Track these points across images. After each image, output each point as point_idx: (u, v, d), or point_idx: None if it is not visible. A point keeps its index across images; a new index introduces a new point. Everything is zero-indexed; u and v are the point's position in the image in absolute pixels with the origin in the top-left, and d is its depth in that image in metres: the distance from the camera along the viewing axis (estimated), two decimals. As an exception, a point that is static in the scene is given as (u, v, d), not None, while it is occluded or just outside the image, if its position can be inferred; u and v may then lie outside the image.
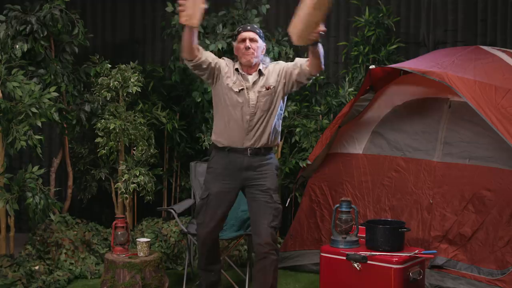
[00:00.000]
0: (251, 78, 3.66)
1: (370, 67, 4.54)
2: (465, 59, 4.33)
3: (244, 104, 3.62)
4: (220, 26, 5.20)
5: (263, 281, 3.60)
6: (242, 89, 3.63)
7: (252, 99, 3.62)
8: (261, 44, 3.69)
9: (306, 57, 3.65)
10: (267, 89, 3.64)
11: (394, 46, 5.26)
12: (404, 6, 5.52)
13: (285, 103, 3.79)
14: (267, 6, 5.32)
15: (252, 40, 3.65)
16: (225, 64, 3.70)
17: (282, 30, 5.47)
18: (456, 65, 4.23)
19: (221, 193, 3.68)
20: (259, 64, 3.69)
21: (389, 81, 4.61)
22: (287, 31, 3.44)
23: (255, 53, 3.64)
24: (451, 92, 4.15)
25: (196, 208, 3.83)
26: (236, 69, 3.67)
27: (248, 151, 3.64)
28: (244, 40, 3.65)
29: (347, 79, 5.30)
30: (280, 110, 3.73)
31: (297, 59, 3.69)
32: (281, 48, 5.26)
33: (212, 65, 3.63)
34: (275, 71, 3.68)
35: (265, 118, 3.65)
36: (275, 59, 5.16)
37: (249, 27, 3.71)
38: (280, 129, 3.78)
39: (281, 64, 3.73)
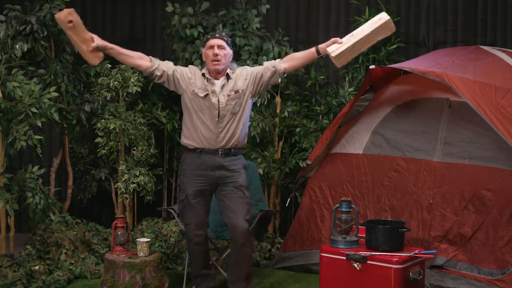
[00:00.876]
0: (219, 82, 3.80)
1: (370, 67, 4.54)
2: (465, 59, 4.33)
3: (211, 108, 3.75)
4: (220, 26, 5.20)
5: (241, 270, 3.77)
6: (208, 94, 3.76)
7: (221, 102, 3.75)
8: (228, 51, 3.82)
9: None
10: (236, 92, 3.78)
11: (394, 46, 5.26)
12: (404, 6, 5.52)
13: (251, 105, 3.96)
14: (267, 6, 5.33)
15: (220, 47, 3.78)
16: (189, 71, 3.84)
17: (282, 30, 5.48)
18: (456, 65, 4.23)
19: (198, 192, 3.82)
20: (226, 69, 3.82)
21: (389, 81, 4.61)
22: (333, 56, 3.70)
23: (222, 60, 3.77)
24: (451, 92, 4.15)
25: (179, 211, 3.98)
26: (203, 74, 3.81)
27: (219, 152, 3.79)
28: (212, 47, 3.78)
29: (347, 79, 5.30)
30: (249, 111, 3.88)
31: (266, 63, 3.88)
32: (281, 48, 5.26)
33: (169, 73, 3.80)
34: (242, 75, 3.83)
35: (234, 120, 3.78)
36: (274, 59, 5.17)
37: (217, 35, 3.84)
38: (247, 130, 3.94)
39: (248, 69, 3.89)
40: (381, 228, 3.78)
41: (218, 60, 3.76)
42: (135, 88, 4.97)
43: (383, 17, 3.70)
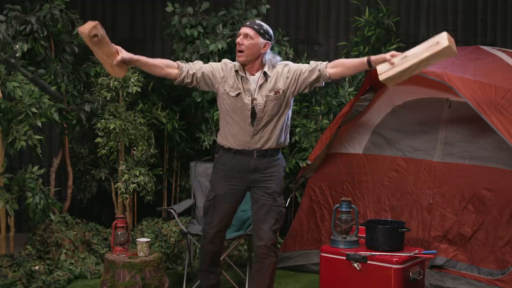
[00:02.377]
0: (254, 79, 3.49)
1: (370, 67, 4.54)
2: (465, 59, 4.33)
3: (243, 108, 3.47)
4: (220, 26, 5.20)
5: (260, 282, 3.58)
6: (240, 93, 3.47)
7: (260, 103, 3.45)
8: (257, 41, 3.45)
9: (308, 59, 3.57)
10: (276, 93, 3.46)
11: (394, 46, 5.25)
12: (404, 6, 5.52)
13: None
14: (267, 6, 5.32)
15: (245, 36, 3.44)
16: (221, 68, 3.54)
17: (282, 30, 5.48)
18: (456, 65, 4.23)
19: (227, 194, 3.61)
20: (264, 65, 3.49)
21: (389, 81, 4.61)
22: (381, 76, 3.33)
23: (246, 51, 3.44)
24: (451, 92, 4.15)
25: (204, 208, 3.74)
26: (236, 71, 3.51)
27: (255, 154, 3.53)
28: (239, 36, 3.49)
29: (347, 79, 5.29)
30: (290, 110, 3.59)
31: (313, 63, 3.50)
32: (281, 48, 5.26)
33: (198, 75, 3.49)
34: (284, 74, 3.49)
35: (272, 121, 3.50)
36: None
37: (248, 23, 3.52)
38: (289, 128, 3.66)
39: (291, 66, 3.53)
40: (381, 228, 3.79)
41: (241, 51, 3.43)
42: (135, 88, 4.97)
43: (441, 42, 3.19)
